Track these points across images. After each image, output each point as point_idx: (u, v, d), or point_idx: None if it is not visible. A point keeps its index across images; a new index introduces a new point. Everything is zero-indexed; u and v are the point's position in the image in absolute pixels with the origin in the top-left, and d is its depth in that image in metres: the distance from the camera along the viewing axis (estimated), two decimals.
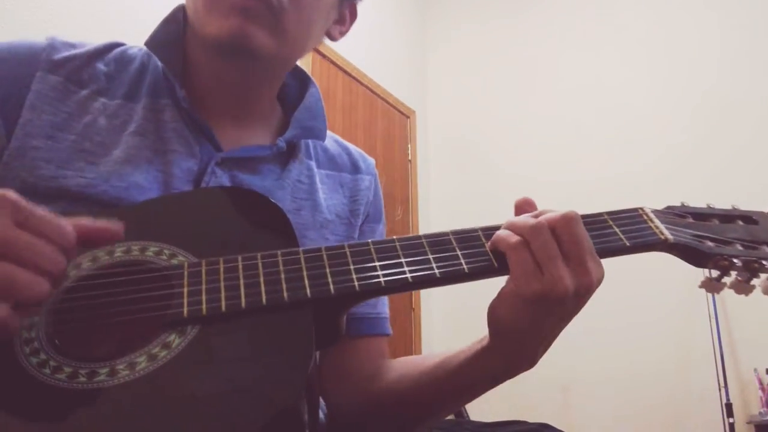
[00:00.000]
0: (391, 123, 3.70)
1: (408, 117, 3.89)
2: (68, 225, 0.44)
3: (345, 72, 3.28)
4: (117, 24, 1.99)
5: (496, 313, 0.55)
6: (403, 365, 0.71)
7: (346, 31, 0.79)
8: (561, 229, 0.53)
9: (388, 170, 3.55)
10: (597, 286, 0.53)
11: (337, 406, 0.73)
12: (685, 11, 3.45)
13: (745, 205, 0.68)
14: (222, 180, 0.66)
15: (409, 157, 3.82)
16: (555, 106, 3.68)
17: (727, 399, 2.75)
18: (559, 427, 0.69)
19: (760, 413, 2.77)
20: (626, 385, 3.11)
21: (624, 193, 3.18)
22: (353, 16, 0.79)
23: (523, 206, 0.59)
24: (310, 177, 0.74)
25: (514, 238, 0.53)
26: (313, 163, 0.76)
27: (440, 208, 3.91)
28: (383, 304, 0.78)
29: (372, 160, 0.85)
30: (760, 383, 2.83)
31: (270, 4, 0.63)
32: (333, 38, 0.77)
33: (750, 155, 3.10)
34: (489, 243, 0.56)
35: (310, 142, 0.77)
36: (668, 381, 3.05)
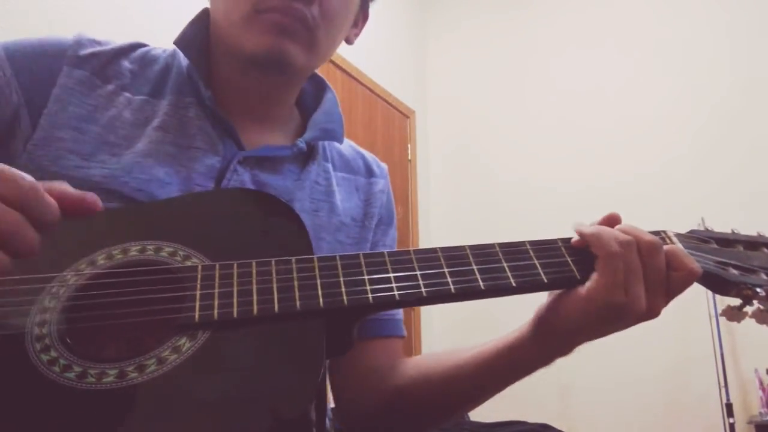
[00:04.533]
0: (391, 123, 3.70)
1: (408, 117, 3.89)
2: (28, 181, 0.40)
3: (345, 72, 3.27)
4: (121, 25, 2.00)
5: (556, 316, 0.56)
6: (425, 362, 0.71)
7: (359, 33, 0.80)
8: (647, 253, 0.54)
9: (388, 170, 3.54)
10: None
11: (354, 409, 0.74)
12: (690, 14, 3.44)
13: (754, 215, 0.67)
14: (243, 178, 0.67)
15: (409, 157, 3.82)
16: (555, 106, 3.67)
17: (728, 399, 2.75)
18: (559, 427, 0.69)
19: (761, 413, 2.77)
20: (626, 384, 3.11)
21: (624, 193, 3.18)
22: (365, 18, 0.80)
23: (610, 221, 0.59)
24: (327, 179, 0.75)
25: (615, 246, 0.53)
26: (329, 166, 0.77)
27: (440, 208, 3.91)
28: None
29: (385, 166, 0.87)
30: (761, 383, 2.83)
31: (306, 21, 0.64)
32: (349, 42, 0.78)
33: (757, 161, 3.08)
34: (582, 243, 0.55)
35: (326, 145, 0.79)
36: (668, 381, 3.05)
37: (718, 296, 2.89)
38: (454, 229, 3.77)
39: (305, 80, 0.78)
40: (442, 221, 3.85)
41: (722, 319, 3.09)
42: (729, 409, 2.72)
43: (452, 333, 3.49)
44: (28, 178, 0.41)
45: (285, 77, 0.70)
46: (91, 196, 0.45)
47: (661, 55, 3.45)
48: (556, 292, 0.57)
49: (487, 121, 3.88)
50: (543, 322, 0.59)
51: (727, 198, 2.99)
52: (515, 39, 3.91)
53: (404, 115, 3.85)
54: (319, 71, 0.80)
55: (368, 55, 3.45)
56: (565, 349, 0.59)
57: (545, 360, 0.60)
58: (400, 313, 0.79)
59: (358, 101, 3.39)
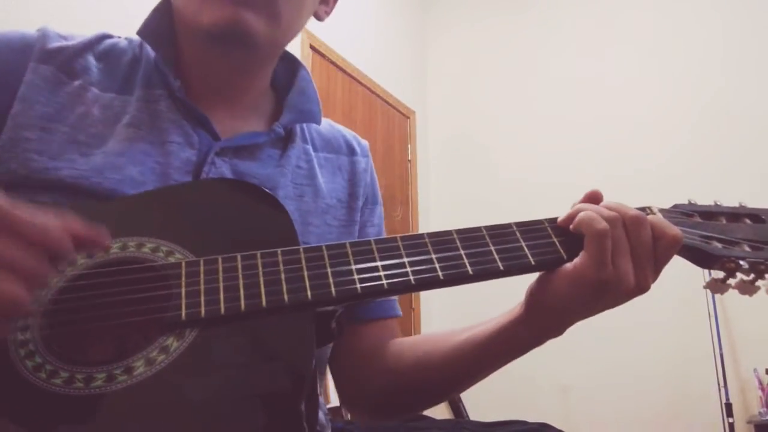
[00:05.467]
0: (391, 123, 3.70)
1: (408, 117, 3.89)
2: (56, 227, 0.41)
3: (345, 72, 3.27)
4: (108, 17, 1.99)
5: (545, 294, 0.57)
6: (424, 345, 0.71)
7: (331, 11, 0.77)
8: (632, 227, 0.54)
9: (388, 170, 3.55)
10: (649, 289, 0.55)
11: (358, 393, 0.74)
12: (689, 10, 3.44)
13: (752, 205, 0.68)
14: (222, 170, 0.65)
15: (409, 158, 3.82)
16: (555, 106, 3.67)
17: (727, 399, 2.75)
18: (559, 427, 0.69)
19: (760, 413, 2.77)
20: (626, 384, 3.11)
21: (625, 192, 3.17)
22: None
23: (592, 198, 0.59)
24: (308, 161, 0.73)
25: (602, 224, 0.53)
26: (309, 147, 0.75)
27: (440, 208, 3.91)
28: None
29: (366, 143, 0.85)
30: (760, 383, 2.83)
31: None
32: (319, 18, 0.76)
33: (756, 156, 3.09)
34: (571, 225, 0.55)
35: (305, 126, 0.76)
36: (668, 381, 3.05)
37: (717, 296, 2.90)
38: (454, 228, 3.76)
39: (275, 59, 0.74)
40: (442, 221, 3.85)
41: (722, 319, 3.08)
42: (728, 408, 2.72)
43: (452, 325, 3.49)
44: (54, 224, 0.41)
45: (250, 52, 0.67)
46: (103, 234, 0.46)
47: (664, 47, 3.45)
48: (544, 274, 0.57)
49: (487, 121, 3.88)
50: (534, 302, 0.59)
51: (727, 194, 2.98)
52: (515, 39, 3.91)
53: (404, 115, 3.85)
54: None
55: (368, 55, 3.45)
56: (556, 328, 0.59)
57: (537, 340, 0.61)
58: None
59: (358, 101, 3.39)
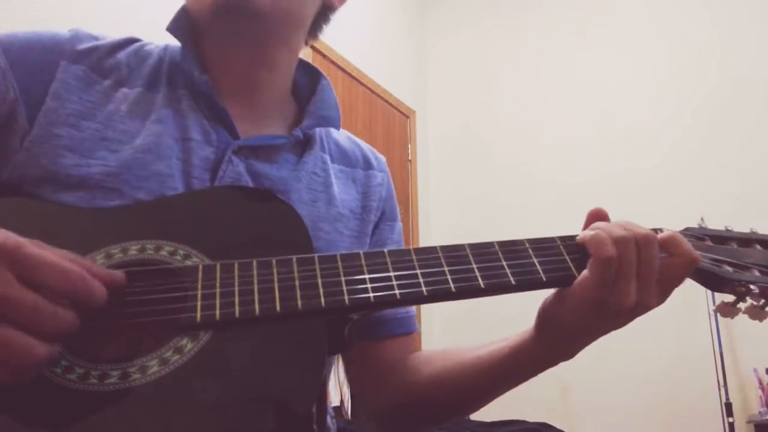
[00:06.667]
0: (391, 123, 3.70)
1: (408, 117, 3.89)
2: (75, 271, 0.43)
3: (345, 72, 3.28)
4: (117, 24, 2.00)
5: (554, 311, 0.57)
6: (441, 362, 0.72)
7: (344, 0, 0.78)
8: (643, 248, 0.54)
9: (388, 170, 3.54)
10: (653, 309, 0.56)
11: (380, 408, 0.76)
12: (686, 10, 3.45)
13: (748, 207, 0.68)
14: (238, 168, 0.66)
15: (409, 157, 3.83)
16: (555, 105, 3.68)
17: (727, 398, 2.75)
18: (559, 427, 0.69)
19: (760, 413, 2.78)
20: (626, 384, 3.12)
21: (625, 191, 3.18)
22: None
23: (597, 216, 0.60)
24: (325, 170, 0.75)
25: (610, 249, 0.53)
26: (327, 157, 0.76)
27: (440, 208, 3.91)
28: None
29: (383, 158, 0.86)
30: (760, 383, 2.83)
31: None
32: (332, 6, 0.77)
33: (751, 154, 3.10)
34: (585, 237, 0.55)
35: (324, 137, 0.78)
36: (668, 380, 3.05)
37: (716, 295, 2.90)
38: (454, 228, 3.77)
39: (291, 39, 0.74)
40: (442, 221, 3.86)
41: (721, 319, 3.07)
42: (728, 408, 2.73)
43: (452, 334, 3.49)
44: (75, 269, 0.43)
45: (260, 23, 0.67)
46: (120, 276, 0.48)
47: (663, 46, 3.45)
48: (555, 292, 0.58)
49: (487, 121, 3.88)
50: (542, 322, 0.60)
51: (726, 189, 2.99)
52: (515, 39, 3.91)
53: (404, 115, 3.85)
54: (319, 70, 0.80)
55: (368, 55, 3.45)
56: (565, 348, 0.60)
57: (549, 361, 0.61)
58: (413, 309, 0.80)
59: (358, 101, 3.40)
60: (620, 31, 3.60)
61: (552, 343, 0.60)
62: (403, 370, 0.74)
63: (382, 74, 3.60)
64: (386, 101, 3.66)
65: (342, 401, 2.67)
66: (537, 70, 3.79)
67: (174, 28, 0.70)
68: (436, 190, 3.96)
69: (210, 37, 0.71)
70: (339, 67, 3.22)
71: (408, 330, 0.78)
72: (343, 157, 0.80)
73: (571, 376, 3.16)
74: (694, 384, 2.98)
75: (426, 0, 4.23)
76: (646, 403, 3.06)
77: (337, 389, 2.65)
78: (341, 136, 0.82)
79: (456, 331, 3.45)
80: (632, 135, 3.41)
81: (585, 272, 0.54)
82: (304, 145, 0.74)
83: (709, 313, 2.87)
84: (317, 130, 0.76)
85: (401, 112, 3.82)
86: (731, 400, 2.76)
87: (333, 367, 0.78)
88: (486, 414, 1.27)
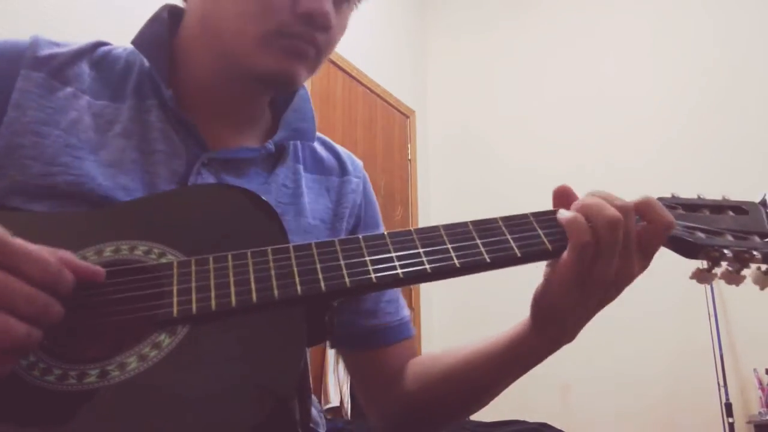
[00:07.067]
0: (391, 123, 3.70)
1: (408, 117, 3.89)
2: (54, 263, 0.43)
3: (345, 72, 3.28)
4: (104, 24, 2.00)
5: (543, 299, 0.58)
6: (442, 362, 0.72)
7: None
8: (620, 225, 0.54)
9: (388, 170, 3.55)
10: (637, 276, 0.56)
11: (385, 414, 0.76)
12: (685, 7, 3.45)
13: (744, 198, 0.68)
14: (207, 181, 0.65)
15: (409, 157, 3.83)
16: (555, 105, 3.68)
17: (727, 399, 2.75)
18: (559, 427, 0.69)
19: (760, 413, 2.78)
20: (626, 384, 3.12)
21: (625, 191, 3.18)
22: None
23: (564, 195, 0.60)
24: (296, 181, 0.74)
25: (587, 236, 0.53)
26: (300, 167, 0.76)
27: (440, 208, 3.91)
28: (402, 308, 0.80)
29: (360, 162, 0.84)
30: (760, 383, 2.83)
31: (318, 47, 0.66)
32: None
33: (750, 149, 3.10)
34: (562, 221, 0.55)
35: (299, 145, 0.77)
36: (668, 380, 3.05)
37: (716, 296, 2.90)
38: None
39: None
40: (442, 221, 3.84)
41: (721, 319, 3.07)
42: (728, 408, 2.72)
43: (452, 333, 3.49)
44: (53, 260, 0.43)
45: (273, 89, 0.70)
46: (100, 269, 0.48)
47: (662, 43, 3.46)
48: (543, 278, 0.58)
49: (487, 121, 3.88)
50: (536, 307, 0.60)
51: (727, 188, 2.98)
52: (515, 39, 3.91)
53: (404, 115, 3.86)
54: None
55: (368, 55, 3.45)
56: (563, 331, 0.60)
57: (549, 346, 0.61)
58: (407, 315, 0.80)
59: (358, 101, 3.40)
60: (620, 31, 3.60)
61: (549, 329, 0.60)
62: (405, 376, 0.74)
63: (382, 74, 3.60)
64: (386, 101, 3.66)
65: (342, 401, 2.67)
66: (537, 69, 3.79)
67: (140, 42, 0.68)
68: (436, 190, 3.96)
69: (208, 67, 0.69)
70: (339, 67, 3.22)
71: (404, 336, 0.78)
72: (318, 165, 0.79)
73: (571, 376, 3.16)
74: (694, 384, 2.98)
75: (426, 0, 4.23)
76: (646, 403, 3.06)
77: (337, 389, 2.64)
78: (318, 142, 0.80)
79: (455, 335, 3.45)
80: (632, 135, 3.41)
81: (565, 254, 0.55)
82: (277, 156, 0.73)
83: (709, 313, 2.87)
84: None
85: (401, 112, 3.82)
86: (731, 401, 2.75)
87: (333, 368, 0.78)
88: (486, 414, 1.27)
